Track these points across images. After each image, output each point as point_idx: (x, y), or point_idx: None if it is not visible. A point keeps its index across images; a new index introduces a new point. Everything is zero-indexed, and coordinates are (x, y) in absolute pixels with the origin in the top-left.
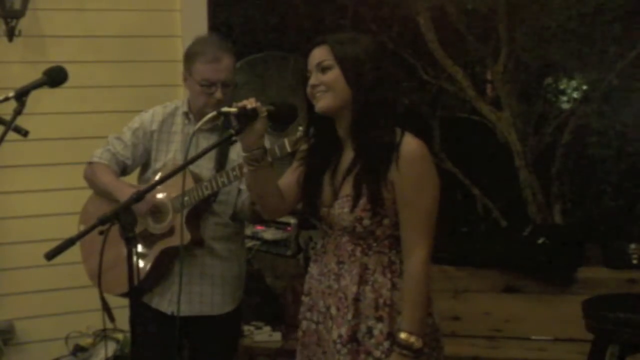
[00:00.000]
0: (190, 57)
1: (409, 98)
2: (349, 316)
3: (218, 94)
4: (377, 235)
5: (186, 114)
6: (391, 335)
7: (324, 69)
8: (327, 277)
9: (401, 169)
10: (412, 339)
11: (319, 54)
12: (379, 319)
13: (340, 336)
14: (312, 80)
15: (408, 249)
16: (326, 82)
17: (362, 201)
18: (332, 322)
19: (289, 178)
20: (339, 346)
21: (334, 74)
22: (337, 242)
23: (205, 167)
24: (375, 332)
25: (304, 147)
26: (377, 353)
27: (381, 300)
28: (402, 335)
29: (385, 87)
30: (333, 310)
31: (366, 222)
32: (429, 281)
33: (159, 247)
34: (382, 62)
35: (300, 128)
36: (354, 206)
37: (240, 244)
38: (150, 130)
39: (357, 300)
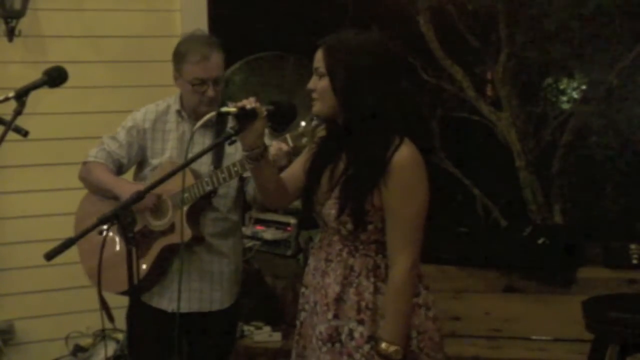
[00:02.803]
0: (178, 57)
1: (410, 100)
2: (329, 315)
3: (210, 92)
4: (363, 239)
5: (179, 112)
6: (372, 339)
7: (319, 76)
8: (318, 273)
9: (389, 178)
10: (392, 349)
11: (318, 58)
12: (360, 322)
13: (320, 333)
14: (309, 84)
15: (392, 257)
16: (318, 90)
17: (348, 209)
18: (317, 318)
19: (296, 166)
20: (319, 343)
21: (325, 84)
22: (329, 240)
23: (202, 162)
24: (356, 334)
25: (322, 134)
26: (357, 356)
27: (363, 304)
28: (382, 345)
29: (380, 97)
30: (318, 307)
31: (349, 226)
32: (413, 290)
33: (160, 244)
34: (383, 68)
35: (303, 123)
36: (339, 211)
37: (238, 240)
38: (144, 128)
39: (338, 300)
